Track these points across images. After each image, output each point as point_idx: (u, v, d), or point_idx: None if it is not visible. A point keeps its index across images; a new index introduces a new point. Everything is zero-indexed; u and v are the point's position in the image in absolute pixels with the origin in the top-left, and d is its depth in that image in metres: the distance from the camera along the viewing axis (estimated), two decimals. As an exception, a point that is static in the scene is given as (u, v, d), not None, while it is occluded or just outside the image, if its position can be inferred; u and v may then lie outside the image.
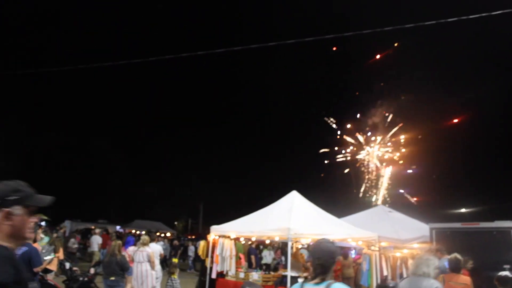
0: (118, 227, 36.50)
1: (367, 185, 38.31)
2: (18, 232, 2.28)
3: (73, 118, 51.87)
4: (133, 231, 35.13)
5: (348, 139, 38.71)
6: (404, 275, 12.42)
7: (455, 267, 7.40)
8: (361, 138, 38.58)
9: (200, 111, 67.09)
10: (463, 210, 39.03)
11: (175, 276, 11.47)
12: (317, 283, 3.60)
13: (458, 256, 7.46)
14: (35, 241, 8.21)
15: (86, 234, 25.36)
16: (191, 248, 25.43)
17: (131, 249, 10.99)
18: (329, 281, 3.56)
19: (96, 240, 21.92)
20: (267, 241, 16.76)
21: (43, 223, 31.21)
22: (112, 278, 9.39)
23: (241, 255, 14.46)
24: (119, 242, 10.39)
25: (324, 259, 3.63)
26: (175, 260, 13.56)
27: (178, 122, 62.53)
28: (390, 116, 38.05)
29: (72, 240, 22.09)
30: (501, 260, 9.06)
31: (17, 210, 2.27)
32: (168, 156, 56.69)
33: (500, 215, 10.91)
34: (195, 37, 56.22)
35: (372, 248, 11.86)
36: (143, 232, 23.58)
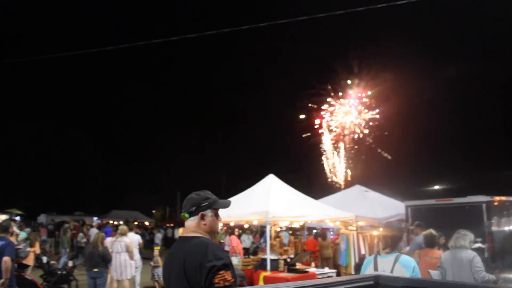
0: (95, 219, 36.11)
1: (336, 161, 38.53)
2: (211, 229, 3.07)
3: (46, 108, 50.89)
4: (111, 221, 34.85)
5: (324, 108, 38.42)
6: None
7: (430, 243, 7.56)
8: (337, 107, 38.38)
9: (176, 100, 66.48)
10: (437, 187, 39.85)
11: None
12: (387, 253, 4.64)
13: (433, 231, 7.61)
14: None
15: (59, 227, 24.92)
16: (158, 236, 25.31)
17: (108, 240, 10.90)
18: (397, 253, 4.57)
19: (94, 233, 21.59)
20: (246, 225, 16.80)
21: (17, 218, 30.74)
22: (96, 270, 9.37)
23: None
24: (102, 234, 10.35)
25: (393, 233, 4.67)
26: (157, 248, 13.55)
27: (154, 111, 61.98)
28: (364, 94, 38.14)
29: (81, 234, 21.67)
30: (474, 233, 9.26)
31: (209, 213, 3.07)
32: (144, 144, 56.23)
33: (472, 191, 11.12)
34: (156, 27, 55.42)
35: (350, 228, 12.02)
36: (121, 222, 23.37)
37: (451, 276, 6.16)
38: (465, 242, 6.31)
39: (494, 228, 9.76)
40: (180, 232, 12.24)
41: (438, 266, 6.54)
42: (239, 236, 16.62)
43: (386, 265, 4.50)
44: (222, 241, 16.35)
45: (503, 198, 10.68)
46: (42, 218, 35.65)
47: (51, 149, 47.40)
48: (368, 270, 4.73)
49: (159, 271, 11.90)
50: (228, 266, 2.73)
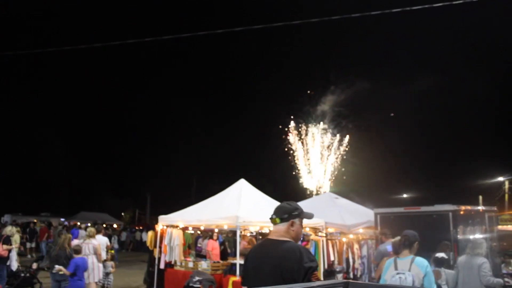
0: (62, 220, 35.31)
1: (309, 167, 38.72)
2: (297, 235, 3.58)
3: (13, 107, 49.60)
4: (79, 223, 34.15)
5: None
6: (350, 260, 12.77)
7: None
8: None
9: (147, 102, 65.87)
10: (405, 195, 40.57)
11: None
12: (405, 256, 5.61)
13: (401, 239, 7.70)
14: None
15: (25, 228, 24.28)
16: (121, 237, 24.80)
17: (75, 242, 10.65)
18: (413, 255, 5.55)
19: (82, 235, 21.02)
20: (216, 230, 16.71)
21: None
22: (62, 273, 9.11)
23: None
24: (69, 235, 10.12)
25: (410, 236, 5.71)
26: (111, 251, 13.19)
27: (123, 113, 61.18)
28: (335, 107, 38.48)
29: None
30: (441, 241, 9.45)
31: (297, 221, 3.56)
32: (114, 147, 55.42)
33: (439, 200, 11.36)
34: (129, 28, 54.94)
35: (319, 234, 12.08)
36: (89, 224, 22.91)
37: (462, 276, 7.39)
38: (481, 250, 7.38)
39: (459, 236, 9.96)
40: (178, 234, 12.11)
41: (454, 267, 7.74)
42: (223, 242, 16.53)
43: (404, 266, 5.52)
44: (199, 245, 16.20)
45: (468, 207, 10.93)
46: (6, 218, 34.64)
47: (18, 148, 46.21)
48: (389, 270, 5.69)
49: (111, 279, 11.58)
50: (317, 266, 3.31)
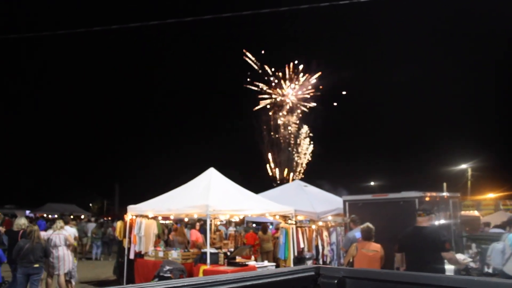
0: (27, 212, 34.46)
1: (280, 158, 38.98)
2: (431, 224, 6.91)
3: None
4: (45, 215, 33.40)
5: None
6: (320, 247, 12.94)
7: (367, 236, 7.79)
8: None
9: (111, 90, 64.59)
10: (372, 183, 41.31)
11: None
12: None
13: (370, 225, 7.84)
14: None
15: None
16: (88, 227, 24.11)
17: (45, 233, 10.44)
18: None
19: (90, 228, 20.55)
20: (186, 219, 16.62)
21: None
22: (37, 265, 8.95)
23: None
24: (37, 227, 9.83)
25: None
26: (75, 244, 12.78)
27: (90, 101, 59.94)
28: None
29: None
30: (407, 227, 9.66)
31: (433, 216, 6.86)
32: (81, 136, 54.33)
33: (406, 187, 11.59)
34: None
35: (289, 221, 12.18)
36: (56, 216, 22.45)
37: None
38: None
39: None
40: (151, 224, 11.99)
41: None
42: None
43: None
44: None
45: (434, 193, 11.19)
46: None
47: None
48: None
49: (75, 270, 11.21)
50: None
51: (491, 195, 28.71)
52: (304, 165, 38.15)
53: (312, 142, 38.12)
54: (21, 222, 10.46)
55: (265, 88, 38.50)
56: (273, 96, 38.80)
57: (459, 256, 7.95)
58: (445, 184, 27.18)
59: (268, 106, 38.99)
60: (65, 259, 10.21)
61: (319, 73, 37.45)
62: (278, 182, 36.43)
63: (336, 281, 2.09)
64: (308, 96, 38.41)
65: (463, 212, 15.00)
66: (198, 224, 14.55)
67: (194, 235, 13.76)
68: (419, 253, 6.42)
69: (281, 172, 38.55)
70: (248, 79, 39.01)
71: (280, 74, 38.64)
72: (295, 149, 38.83)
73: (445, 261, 6.51)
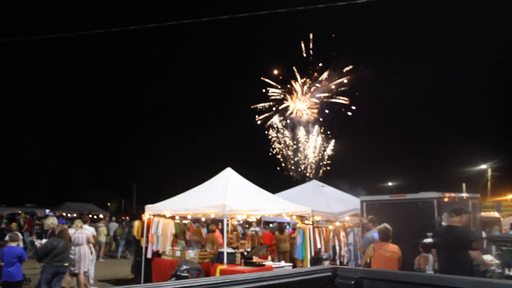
0: (47, 211, 35.00)
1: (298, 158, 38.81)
2: (463, 223, 7.03)
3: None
4: (64, 214, 33.86)
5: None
6: (337, 247, 12.88)
7: (384, 236, 7.74)
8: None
9: (131, 92, 65.25)
10: (390, 183, 40.99)
11: None
12: None
13: (387, 226, 7.79)
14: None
15: (12, 220, 24.01)
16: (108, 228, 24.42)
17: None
18: None
19: (113, 228, 20.94)
20: (203, 219, 16.70)
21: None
22: (66, 264, 9.15)
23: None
24: (66, 226, 10.00)
25: None
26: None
27: (107, 101, 60.56)
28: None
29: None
30: (425, 228, 9.58)
31: (464, 214, 6.97)
32: (99, 136, 54.93)
33: (424, 187, 11.49)
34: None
35: (306, 222, 12.15)
36: (74, 215, 22.76)
37: None
38: None
39: (444, 223, 10.09)
40: (169, 224, 12.10)
41: None
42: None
43: None
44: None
45: (452, 194, 11.07)
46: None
47: (0, 139, 45.51)
48: None
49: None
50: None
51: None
52: (320, 164, 37.96)
53: (327, 142, 37.93)
54: (51, 221, 10.68)
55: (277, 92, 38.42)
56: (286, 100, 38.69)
57: (487, 257, 7.85)
58: (464, 185, 26.83)
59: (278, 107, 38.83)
60: (86, 257, 10.42)
61: (347, 70, 36.96)
62: (295, 181, 36.31)
63: (353, 282, 2.09)
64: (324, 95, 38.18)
65: (482, 214, 14.80)
66: (220, 224, 14.47)
67: (220, 237, 13.66)
68: (450, 251, 6.78)
69: (297, 172, 38.41)
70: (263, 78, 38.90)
71: (298, 76, 38.46)
72: (308, 148, 38.65)
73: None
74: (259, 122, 38.29)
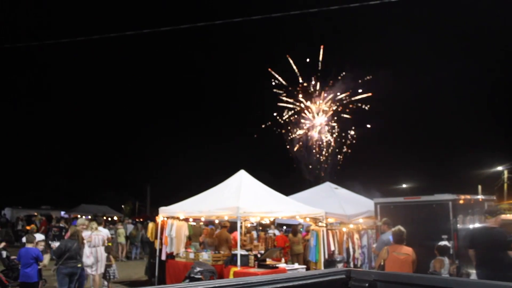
0: (62, 213, 35.36)
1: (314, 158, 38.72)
2: (498, 224, 7.47)
3: (10, 97, 49.42)
4: (79, 216, 34.14)
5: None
6: (351, 250, 12.82)
7: (398, 239, 7.69)
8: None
9: (146, 94, 65.68)
10: (404, 185, 40.65)
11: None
12: None
13: (402, 228, 7.74)
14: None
15: (28, 222, 24.35)
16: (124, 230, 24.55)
17: (86, 233, 10.73)
18: None
19: (129, 230, 21.17)
20: (216, 221, 16.72)
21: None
22: (79, 265, 9.25)
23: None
24: (79, 227, 10.11)
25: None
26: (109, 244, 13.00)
27: (121, 105, 61.01)
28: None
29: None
30: (440, 230, 9.50)
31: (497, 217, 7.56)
32: (113, 139, 55.35)
33: (439, 189, 11.39)
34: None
35: (320, 224, 12.11)
36: (89, 217, 22.93)
37: None
38: None
39: (459, 226, 10.00)
40: (182, 225, 12.20)
41: None
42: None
43: None
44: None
45: (468, 196, 10.96)
46: (6, 212, 34.71)
47: (16, 142, 46.13)
48: None
49: (113, 270, 11.55)
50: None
51: (529, 198, 27.84)
52: (334, 166, 37.84)
53: (342, 144, 37.80)
54: (81, 222, 10.84)
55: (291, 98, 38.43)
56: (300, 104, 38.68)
57: None
58: (479, 187, 26.49)
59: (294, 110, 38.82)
60: (102, 259, 10.52)
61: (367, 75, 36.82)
62: (309, 184, 36.20)
63: (367, 285, 2.09)
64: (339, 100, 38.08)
65: (502, 216, 14.60)
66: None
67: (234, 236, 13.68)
68: (488, 251, 7.17)
69: (311, 174, 38.31)
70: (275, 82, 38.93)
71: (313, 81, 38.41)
72: (323, 150, 38.55)
73: None
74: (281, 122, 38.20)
